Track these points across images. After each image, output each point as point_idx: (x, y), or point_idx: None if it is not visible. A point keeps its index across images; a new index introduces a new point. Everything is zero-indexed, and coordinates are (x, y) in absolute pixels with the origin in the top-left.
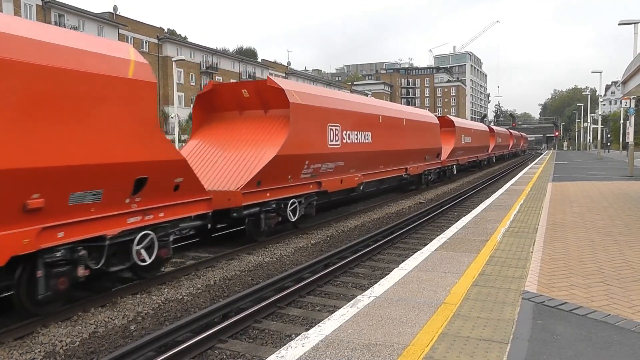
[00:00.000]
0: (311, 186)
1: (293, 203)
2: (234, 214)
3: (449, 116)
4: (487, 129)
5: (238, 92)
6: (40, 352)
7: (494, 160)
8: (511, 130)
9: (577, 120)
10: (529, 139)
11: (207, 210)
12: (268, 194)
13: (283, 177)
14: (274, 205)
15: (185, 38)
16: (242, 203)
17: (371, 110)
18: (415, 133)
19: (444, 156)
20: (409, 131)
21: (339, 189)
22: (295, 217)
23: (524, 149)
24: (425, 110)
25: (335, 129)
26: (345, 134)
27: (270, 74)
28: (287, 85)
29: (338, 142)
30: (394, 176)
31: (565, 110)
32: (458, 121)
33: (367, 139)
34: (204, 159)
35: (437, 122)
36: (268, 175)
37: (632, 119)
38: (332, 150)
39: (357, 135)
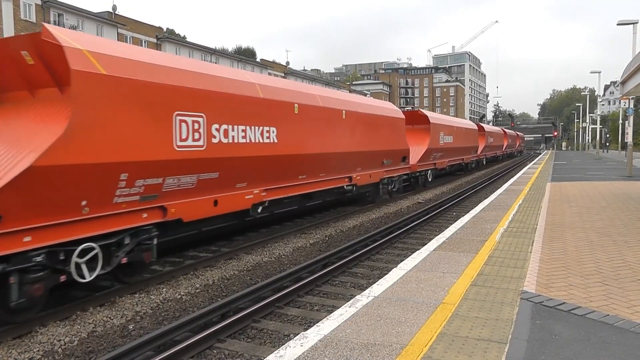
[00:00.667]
0: (145, 215)
1: (89, 250)
2: None
3: (422, 111)
4: (476, 127)
5: (19, 57)
6: (39, 351)
7: (484, 163)
8: (506, 129)
9: (575, 120)
10: (526, 138)
11: None
12: (27, 238)
13: (66, 205)
14: (41, 259)
15: (184, 38)
16: None
17: (276, 95)
18: (365, 129)
19: (413, 159)
20: (352, 127)
21: (209, 215)
22: (94, 274)
23: (521, 149)
24: (386, 102)
25: (195, 122)
26: (217, 130)
27: (269, 73)
28: (78, 40)
29: (200, 142)
30: (329, 189)
31: (564, 110)
32: (435, 117)
33: (269, 137)
34: None
35: (402, 116)
36: (19, 203)
37: (631, 119)
38: (185, 155)
39: (245, 130)
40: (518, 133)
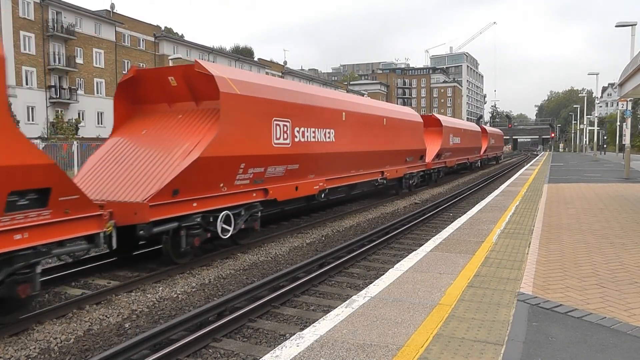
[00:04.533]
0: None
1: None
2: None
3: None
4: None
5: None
6: (35, 348)
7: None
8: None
9: (573, 122)
10: (524, 140)
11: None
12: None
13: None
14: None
15: (182, 36)
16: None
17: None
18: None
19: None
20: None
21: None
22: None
23: (495, 155)
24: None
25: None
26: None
27: (267, 72)
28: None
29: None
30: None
31: (562, 112)
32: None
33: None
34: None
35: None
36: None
37: (629, 121)
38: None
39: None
40: (490, 130)
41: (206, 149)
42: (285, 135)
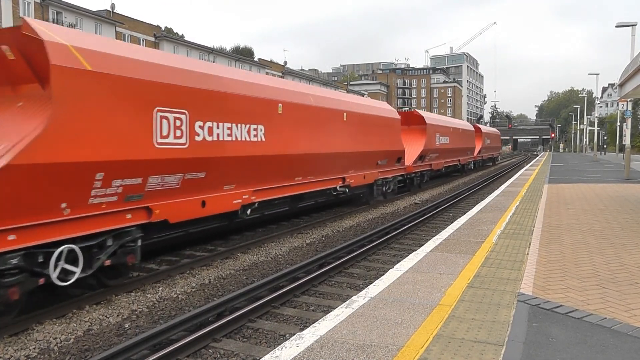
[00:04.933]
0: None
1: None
2: None
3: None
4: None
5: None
6: (35, 348)
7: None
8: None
9: (573, 122)
10: (524, 140)
11: None
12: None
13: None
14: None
15: (182, 36)
16: None
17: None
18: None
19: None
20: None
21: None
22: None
23: (491, 157)
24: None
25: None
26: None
27: (267, 72)
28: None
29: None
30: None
31: (562, 112)
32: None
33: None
34: None
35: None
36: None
37: (629, 121)
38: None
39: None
40: (486, 129)
41: (22, 152)
42: (179, 132)
